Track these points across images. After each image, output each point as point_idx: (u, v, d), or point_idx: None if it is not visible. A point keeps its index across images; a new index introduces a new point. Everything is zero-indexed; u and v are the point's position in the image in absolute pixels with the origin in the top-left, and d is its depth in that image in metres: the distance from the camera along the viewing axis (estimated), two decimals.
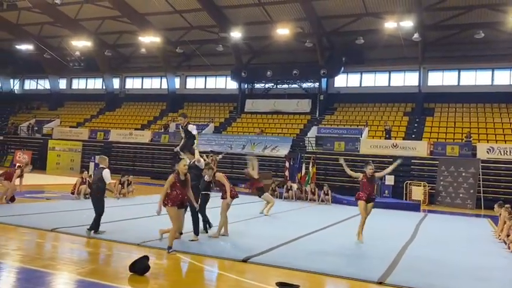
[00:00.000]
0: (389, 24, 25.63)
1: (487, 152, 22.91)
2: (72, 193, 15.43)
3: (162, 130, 32.58)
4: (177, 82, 37.10)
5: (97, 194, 8.83)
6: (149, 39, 31.51)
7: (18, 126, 37.42)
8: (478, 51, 27.61)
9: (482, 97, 27.80)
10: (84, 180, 15.62)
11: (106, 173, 8.84)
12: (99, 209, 8.70)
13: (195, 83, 37.46)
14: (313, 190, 20.11)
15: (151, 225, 9.61)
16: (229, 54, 32.98)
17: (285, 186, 20.55)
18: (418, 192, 22.17)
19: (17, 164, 13.43)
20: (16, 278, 6.09)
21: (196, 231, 8.82)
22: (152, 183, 25.50)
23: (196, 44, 33.32)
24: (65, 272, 6.31)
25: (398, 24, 25.22)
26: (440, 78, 29.74)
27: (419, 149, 24.30)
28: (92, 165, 29.24)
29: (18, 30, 35.74)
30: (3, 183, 12.52)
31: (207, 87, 36.85)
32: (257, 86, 34.65)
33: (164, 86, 37.17)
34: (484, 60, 27.44)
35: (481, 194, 21.47)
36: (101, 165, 9.10)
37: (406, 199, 22.13)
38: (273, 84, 33.80)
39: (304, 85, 32.82)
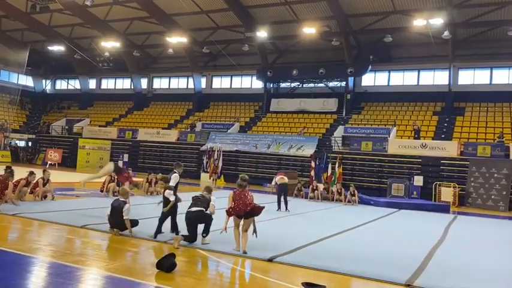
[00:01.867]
0: (419, 22, 25.14)
1: None
2: (101, 191, 15.76)
3: (189, 129, 32.90)
4: (203, 82, 37.42)
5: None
6: (176, 40, 31.89)
7: (50, 125, 38.50)
8: (511, 49, 26.76)
9: None
10: (113, 178, 15.90)
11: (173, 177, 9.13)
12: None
13: (220, 83, 37.68)
14: (339, 190, 19.90)
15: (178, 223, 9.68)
16: (255, 54, 33.02)
17: (311, 186, 20.42)
18: (447, 193, 21.66)
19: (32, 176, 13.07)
20: (47, 272, 6.26)
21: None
22: (179, 182, 25.70)
23: (223, 44, 33.52)
24: (94, 268, 6.44)
25: (428, 22, 24.71)
26: (472, 77, 28.98)
27: (449, 149, 23.73)
28: (120, 163, 29.82)
29: (50, 31, 36.77)
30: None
31: (232, 86, 37.02)
32: (283, 85, 34.59)
33: (191, 85, 37.55)
34: None
35: None
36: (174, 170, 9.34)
37: (435, 200, 21.66)
38: (298, 84, 33.66)
39: (331, 84, 32.57)
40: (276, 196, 15.40)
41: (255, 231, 8.12)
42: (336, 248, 9.01)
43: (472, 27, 27.25)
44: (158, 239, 8.53)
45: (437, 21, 24.74)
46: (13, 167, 12.31)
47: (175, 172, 9.26)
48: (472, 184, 21.83)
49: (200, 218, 8.24)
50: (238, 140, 29.63)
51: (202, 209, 8.25)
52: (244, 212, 7.86)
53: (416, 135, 25.75)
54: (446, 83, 28.45)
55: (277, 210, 14.62)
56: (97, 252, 7.58)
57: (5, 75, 41.62)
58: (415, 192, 22.44)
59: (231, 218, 8.13)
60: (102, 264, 6.73)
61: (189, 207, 8.37)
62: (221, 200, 15.56)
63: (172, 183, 9.03)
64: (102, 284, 5.81)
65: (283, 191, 15.03)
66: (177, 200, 9.04)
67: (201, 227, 8.29)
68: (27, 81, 43.46)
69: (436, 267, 7.79)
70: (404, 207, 18.52)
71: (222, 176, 27.44)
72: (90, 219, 10.01)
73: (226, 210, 8.06)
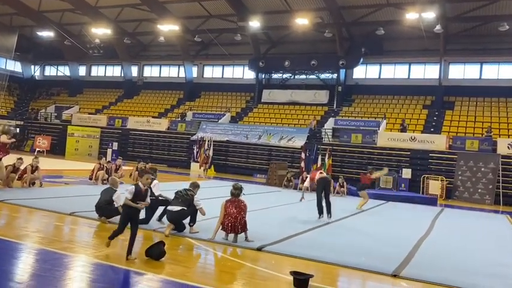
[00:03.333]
0: (411, 15, 25.19)
1: (508, 147, 22.49)
2: (90, 178, 15.68)
3: (179, 119, 32.77)
4: (194, 71, 37.19)
5: None
6: (168, 28, 31.60)
7: (39, 111, 38.06)
8: (501, 44, 27.00)
9: (504, 91, 27.23)
10: (101, 166, 15.83)
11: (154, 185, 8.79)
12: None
13: (212, 72, 37.49)
14: None
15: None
16: (247, 44, 32.87)
17: (301, 177, 20.47)
18: (435, 186, 21.93)
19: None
20: (35, 258, 6.23)
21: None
22: (169, 171, 25.71)
23: (215, 33, 33.29)
24: (83, 255, 6.42)
25: (420, 16, 24.76)
26: (462, 72, 29.19)
27: (438, 142, 23.97)
28: (109, 151, 29.66)
29: (40, 17, 36.17)
30: None
31: (224, 76, 36.86)
32: (274, 76, 34.52)
33: (182, 74, 37.31)
34: (508, 53, 26.81)
35: (500, 190, 21.16)
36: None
37: (422, 193, 21.91)
38: (290, 75, 33.63)
39: (322, 76, 32.59)
40: (267, 187, 15.33)
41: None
42: (323, 238, 9.09)
43: (464, 22, 27.37)
44: (146, 227, 8.51)
45: (430, 14, 24.80)
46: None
47: (154, 179, 8.95)
48: (460, 177, 22.11)
49: (182, 216, 8.21)
50: (229, 130, 29.59)
51: (183, 207, 8.16)
52: (237, 228, 7.82)
53: (402, 131, 26.04)
54: (437, 77, 28.62)
55: (319, 217, 11.35)
56: (85, 240, 7.56)
57: None
58: (403, 185, 22.68)
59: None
60: (90, 251, 6.71)
61: (171, 204, 8.31)
62: (211, 189, 15.55)
63: (158, 192, 8.87)
64: (90, 271, 5.80)
65: (323, 190, 11.49)
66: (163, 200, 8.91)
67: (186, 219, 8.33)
68: (15, 66, 42.83)
69: (423, 258, 7.90)
70: (392, 200, 18.70)
71: (213, 166, 27.43)
72: (78, 206, 9.96)
73: (221, 223, 7.93)
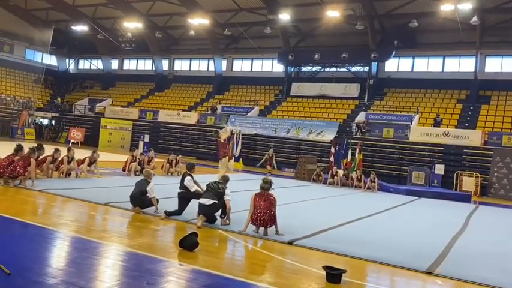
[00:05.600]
0: (446, 7, 24.48)
1: None
2: (123, 170, 16.02)
3: (209, 112, 33.01)
4: (223, 65, 37.34)
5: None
6: (198, 21, 31.82)
7: (73, 104, 39.12)
8: None
9: None
10: (134, 158, 16.14)
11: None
12: None
13: (241, 66, 37.56)
14: (359, 177, 19.78)
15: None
16: (277, 37, 32.73)
17: (330, 172, 20.36)
18: (469, 182, 21.35)
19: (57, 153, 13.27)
20: (73, 246, 6.43)
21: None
22: (198, 163, 25.93)
23: (244, 27, 33.28)
24: (118, 244, 6.59)
25: (456, 7, 24.03)
26: (499, 65, 28.21)
27: (473, 138, 23.29)
28: (141, 144, 30.23)
29: (74, 11, 37.07)
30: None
31: (253, 70, 36.86)
32: (304, 69, 34.28)
33: (211, 68, 37.53)
34: None
35: None
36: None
37: (456, 189, 21.37)
38: (320, 68, 33.31)
39: (353, 69, 32.14)
40: (298, 181, 15.25)
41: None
42: (354, 233, 9.00)
43: (502, 13, 26.37)
44: (179, 218, 8.64)
45: (466, 6, 24.01)
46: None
47: (189, 175, 9.07)
48: (495, 174, 21.45)
49: (214, 209, 8.28)
50: (257, 124, 29.62)
51: (214, 201, 8.21)
52: (265, 222, 7.84)
53: (436, 126, 25.45)
54: (472, 70, 27.76)
55: None
56: (120, 229, 7.75)
57: (30, 54, 42.32)
58: (435, 181, 22.18)
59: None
60: (125, 240, 6.88)
61: (202, 197, 8.36)
62: (239, 182, 15.65)
63: (193, 188, 8.95)
64: (125, 260, 5.94)
65: None
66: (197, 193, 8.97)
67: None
68: (51, 60, 44.13)
69: (458, 256, 7.72)
70: (424, 196, 18.34)
71: (241, 159, 27.54)
72: (112, 197, 10.20)
73: (251, 217, 7.96)
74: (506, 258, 8.10)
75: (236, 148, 27.45)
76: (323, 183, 19.96)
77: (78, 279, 4.89)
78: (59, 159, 13.13)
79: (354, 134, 26.59)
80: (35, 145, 12.03)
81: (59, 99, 39.70)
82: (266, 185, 8.09)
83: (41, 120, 37.99)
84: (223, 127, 29.72)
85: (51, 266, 5.36)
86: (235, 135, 27.67)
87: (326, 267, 5.72)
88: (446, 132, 23.94)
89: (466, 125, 25.73)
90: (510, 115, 25.61)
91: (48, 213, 8.60)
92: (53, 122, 38.25)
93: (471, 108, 27.18)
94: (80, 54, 44.72)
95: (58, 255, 5.92)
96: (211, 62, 37.27)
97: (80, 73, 45.81)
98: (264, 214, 7.83)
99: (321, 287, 5.48)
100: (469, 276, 6.40)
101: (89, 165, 13.94)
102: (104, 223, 8.35)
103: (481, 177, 21.60)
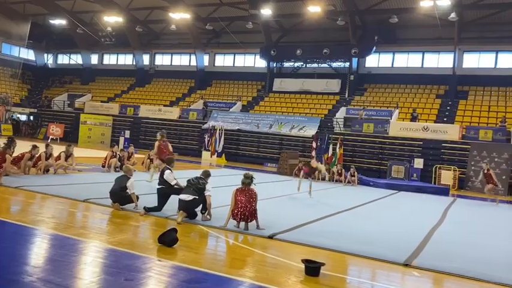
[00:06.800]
0: (425, 3, 24.84)
1: None
2: (103, 166, 15.84)
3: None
4: (205, 59, 37.14)
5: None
6: (179, 16, 31.55)
7: (52, 99, 38.43)
8: None
9: None
10: (114, 154, 15.97)
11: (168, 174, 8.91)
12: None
13: (223, 61, 37.42)
14: (339, 171, 19.98)
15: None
16: (259, 32, 32.69)
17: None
18: (447, 176, 21.77)
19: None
20: (51, 244, 6.34)
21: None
22: (180, 159, 25.81)
23: (226, 21, 33.14)
24: (97, 241, 6.52)
25: (435, 3, 24.40)
26: (476, 60, 28.75)
27: (451, 132, 23.73)
28: (122, 139, 29.91)
29: (52, 5, 36.33)
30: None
31: (235, 65, 36.77)
32: (286, 64, 34.34)
33: (193, 63, 37.29)
34: None
35: None
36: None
37: (434, 183, 21.76)
38: (302, 63, 33.42)
39: (334, 65, 32.34)
40: (279, 176, 15.31)
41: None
42: (334, 227, 9.10)
43: (480, 10, 26.85)
44: (159, 214, 8.60)
45: (445, 2, 24.40)
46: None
47: (168, 169, 9.02)
48: (473, 168, 21.90)
49: (194, 205, 8.27)
50: (240, 119, 29.60)
51: (195, 197, 8.19)
52: (246, 216, 7.86)
53: (413, 119, 25.90)
54: (451, 66, 28.23)
55: None
56: (99, 226, 7.67)
57: (7, 48, 41.36)
58: (415, 175, 22.54)
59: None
60: (104, 237, 6.81)
61: (183, 192, 8.32)
62: (221, 178, 15.64)
63: (173, 181, 8.90)
64: (104, 256, 5.89)
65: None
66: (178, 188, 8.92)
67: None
68: (28, 54, 43.21)
69: (435, 248, 7.87)
70: (403, 189, 18.62)
71: (223, 155, 27.52)
72: (92, 193, 10.08)
73: (232, 212, 7.98)
74: (482, 249, 8.29)
75: (219, 144, 27.46)
76: (305, 178, 20.03)
77: (54, 277, 4.83)
78: (37, 155, 12.90)
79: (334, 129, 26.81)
80: (5, 141, 11.81)
81: None
82: (247, 180, 8.11)
83: (18, 115, 37.22)
84: (206, 122, 29.74)
85: (28, 264, 5.28)
86: (218, 130, 27.63)
87: (305, 261, 5.77)
88: (425, 127, 24.32)
89: (445, 119, 26.19)
90: (487, 110, 26.16)
91: (25, 211, 8.46)
92: (31, 117, 37.52)
93: (449, 103, 27.66)
94: (58, 49, 43.90)
95: (35, 253, 5.83)
96: (193, 57, 37.02)
97: (59, 68, 44.99)
98: (245, 209, 7.85)
99: (299, 280, 5.53)
100: (445, 267, 6.53)
101: (66, 159, 13.64)
102: (83, 220, 8.25)
103: (459, 170, 22.03)
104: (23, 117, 37.58)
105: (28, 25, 36.39)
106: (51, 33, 40.65)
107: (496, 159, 21.39)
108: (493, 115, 25.53)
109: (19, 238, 6.36)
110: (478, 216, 13.23)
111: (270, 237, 7.56)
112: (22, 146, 13.00)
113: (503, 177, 21.07)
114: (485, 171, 17.05)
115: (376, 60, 31.60)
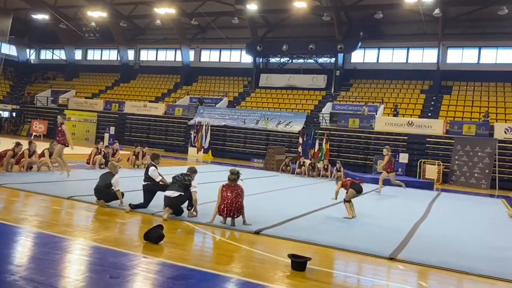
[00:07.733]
0: None
1: (505, 132, 22.57)
2: (88, 163, 15.68)
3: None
4: (191, 55, 36.91)
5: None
6: (164, 11, 31.25)
7: (35, 96, 37.81)
8: (500, 28, 26.87)
9: (502, 76, 27.21)
10: (99, 150, 15.81)
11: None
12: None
13: (209, 56, 37.24)
14: (325, 166, 20.07)
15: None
16: (245, 28, 32.58)
17: (298, 162, 20.56)
18: (432, 170, 22.03)
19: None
20: (34, 242, 6.25)
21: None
22: (166, 155, 25.67)
23: (212, 16, 32.93)
24: (81, 238, 6.45)
25: None
26: (460, 56, 29.11)
27: (435, 127, 24.01)
28: (106, 136, 29.61)
29: None
30: None
31: (221, 60, 36.62)
32: (272, 60, 34.31)
33: (178, 58, 37.03)
34: (507, 37, 26.70)
35: (497, 175, 21.27)
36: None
37: (419, 177, 22.01)
38: (288, 59, 33.43)
39: (320, 60, 32.42)
40: (265, 171, 15.31)
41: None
42: (321, 222, 9.15)
43: (463, 6, 27.15)
44: (144, 211, 8.54)
45: None
46: None
47: (153, 165, 8.96)
48: (456, 162, 22.21)
49: (180, 201, 8.24)
50: (226, 115, 29.52)
51: (180, 193, 8.15)
52: (232, 212, 7.86)
53: (395, 114, 26.16)
54: (435, 61, 28.53)
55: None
56: (84, 223, 7.58)
57: None
58: (400, 169, 22.70)
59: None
60: (89, 234, 6.74)
61: (168, 189, 8.28)
62: (208, 174, 15.60)
63: (157, 178, 8.83)
64: (89, 254, 5.83)
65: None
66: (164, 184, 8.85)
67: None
68: (10, 50, 42.38)
69: (419, 241, 7.97)
70: (389, 184, 18.74)
71: (210, 151, 27.44)
72: (76, 190, 9.96)
73: (218, 208, 7.96)
74: (466, 242, 8.42)
75: (205, 140, 27.37)
76: (291, 173, 20.13)
77: (37, 275, 4.76)
78: (20, 153, 12.70)
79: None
80: None
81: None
82: (233, 176, 8.10)
83: (0, 112, 36.55)
84: (192, 118, 29.58)
85: (10, 263, 5.19)
86: (204, 126, 27.52)
87: (291, 256, 5.79)
88: (410, 122, 24.57)
89: (429, 114, 26.48)
90: (470, 105, 26.52)
91: (8, 209, 8.31)
92: (14, 114, 36.88)
93: (434, 98, 27.97)
94: (41, 44, 43.17)
95: (18, 252, 5.73)
96: (179, 52, 36.76)
97: (42, 64, 44.27)
98: (231, 205, 7.84)
99: (286, 275, 5.55)
100: (429, 260, 6.62)
101: (50, 156, 13.45)
102: (67, 217, 8.15)
103: (443, 165, 22.32)
104: (5, 114, 36.93)
105: (10, 20, 35.64)
106: (34, 28, 39.95)
107: (479, 154, 21.72)
108: (476, 110, 25.90)
109: (1, 237, 6.25)
110: (462, 210, 13.42)
111: (257, 232, 7.57)
112: (5, 143, 12.77)
113: (486, 171, 21.43)
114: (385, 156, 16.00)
115: (361, 56, 31.78)
